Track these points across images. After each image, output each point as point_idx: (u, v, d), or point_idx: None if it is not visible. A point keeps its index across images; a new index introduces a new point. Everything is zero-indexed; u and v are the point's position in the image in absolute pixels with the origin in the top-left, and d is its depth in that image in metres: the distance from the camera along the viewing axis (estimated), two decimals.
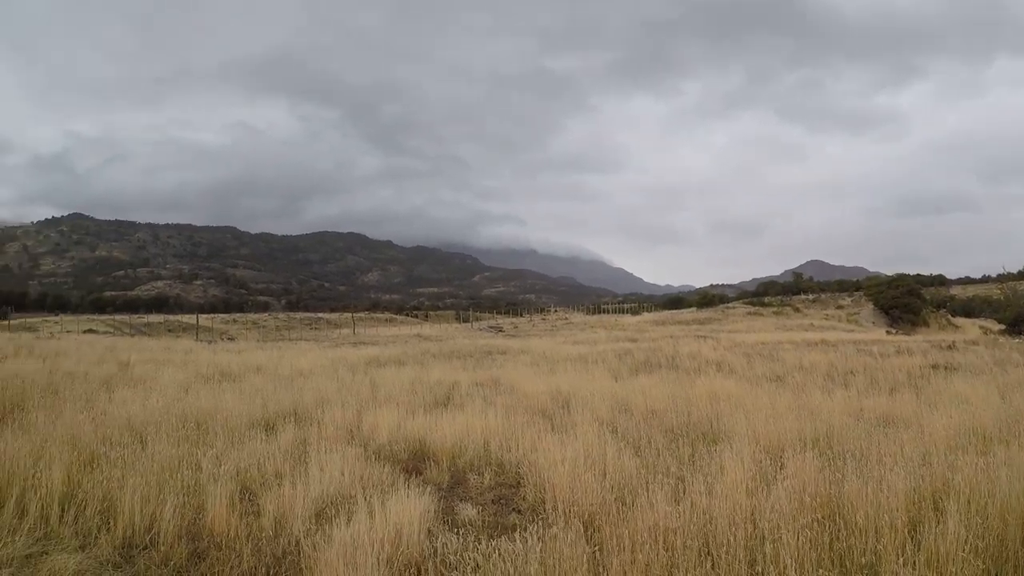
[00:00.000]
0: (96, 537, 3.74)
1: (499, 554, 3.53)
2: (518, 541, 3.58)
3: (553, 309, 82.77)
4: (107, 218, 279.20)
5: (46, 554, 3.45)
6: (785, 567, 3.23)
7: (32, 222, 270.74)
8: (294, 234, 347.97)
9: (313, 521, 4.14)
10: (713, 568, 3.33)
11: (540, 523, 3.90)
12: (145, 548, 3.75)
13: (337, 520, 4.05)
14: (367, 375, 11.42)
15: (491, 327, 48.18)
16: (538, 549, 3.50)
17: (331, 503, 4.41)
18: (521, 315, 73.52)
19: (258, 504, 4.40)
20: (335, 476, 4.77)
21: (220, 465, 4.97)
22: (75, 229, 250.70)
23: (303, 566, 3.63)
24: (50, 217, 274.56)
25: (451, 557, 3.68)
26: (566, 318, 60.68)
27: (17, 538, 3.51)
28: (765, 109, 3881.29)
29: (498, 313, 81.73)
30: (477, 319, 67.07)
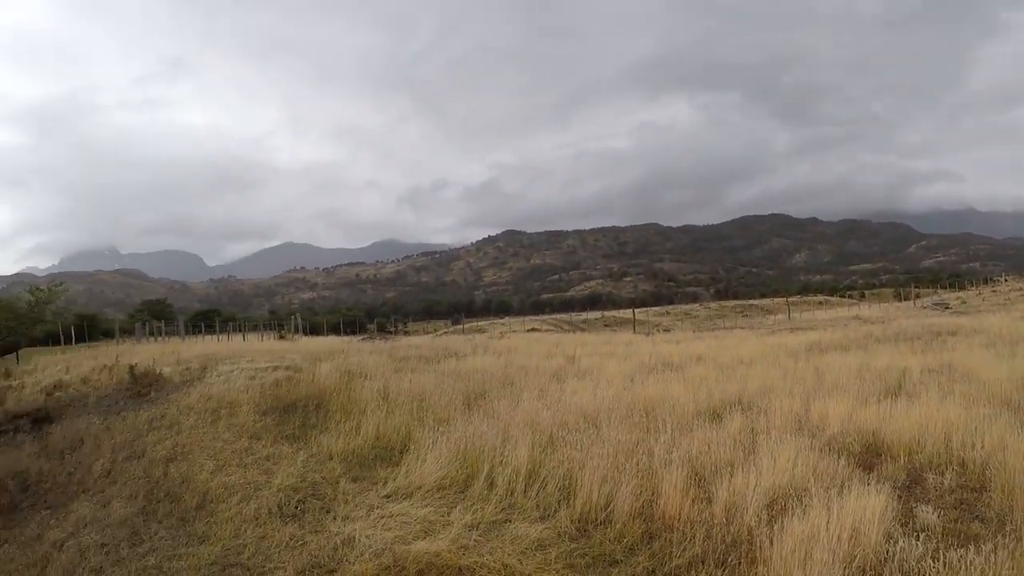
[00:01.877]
0: (555, 511, 6.04)
1: (966, 567, 4.02)
2: (983, 554, 3.97)
3: (1003, 278, 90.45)
4: (537, 230, 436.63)
5: (510, 522, 5.92)
6: None
7: (472, 242, 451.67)
8: (716, 222, 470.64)
9: (764, 512, 5.37)
10: None
11: (1010, 536, 4.17)
12: (600, 524, 5.78)
13: (790, 513, 5.19)
14: (809, 362, 13.96)
15: (935, 304, 57.43)
16: (1008, 567, 3.82)
17: (782, 494, 5.58)
18: (966, 287, 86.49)
19: (709, 491, 5.93)
20: (786, 467, 5.98)
21: (671, 451, 6.84)
22: (510, 243, 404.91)
23: (756, 556, 4.86)
24: (486, 236, 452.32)
25: (910, 565, 4.34)
26: (1021, 288, 66.89)
27: (487, 506, 6.19)
28: None
29: (940, 287, 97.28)
30: (917, 296, 77.21)
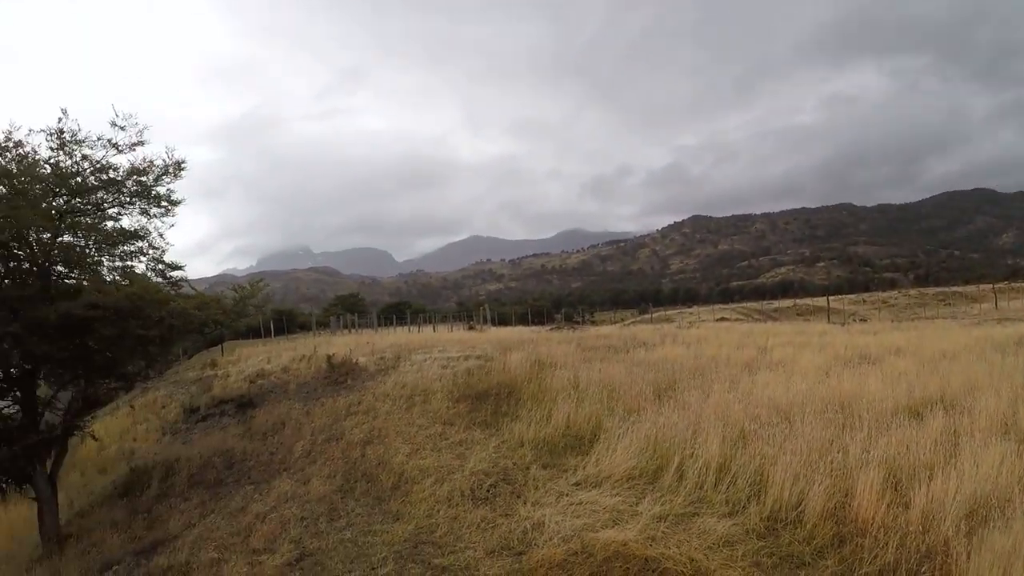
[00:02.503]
0: (744, 507, 6.80)
1: None
2: None
3: None
4: (724, 215, 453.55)
5: (698, 515, 6.76)
6: None
7: (657, 229, 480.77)
8: (914, 200, 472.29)
9: (963, 521, 5.80)
10: None
11: None
12: (790, 524, 6.46)
13: (991, 524, 5.63)
14: (1018, 357, 13.82)
15: None
16: None
17: (983, 503, 5.97)
18: None
19: (905, 495, 6.40)
20: (989, 473, 6.33)
21: (867, 451, 7.34)
22: (696, 229, 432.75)
23: (951, 569, 5.36)
24: (672, 223, 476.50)
25: None
26: None
27: (675, 499, 7.07)
28: None
29: None
30: None
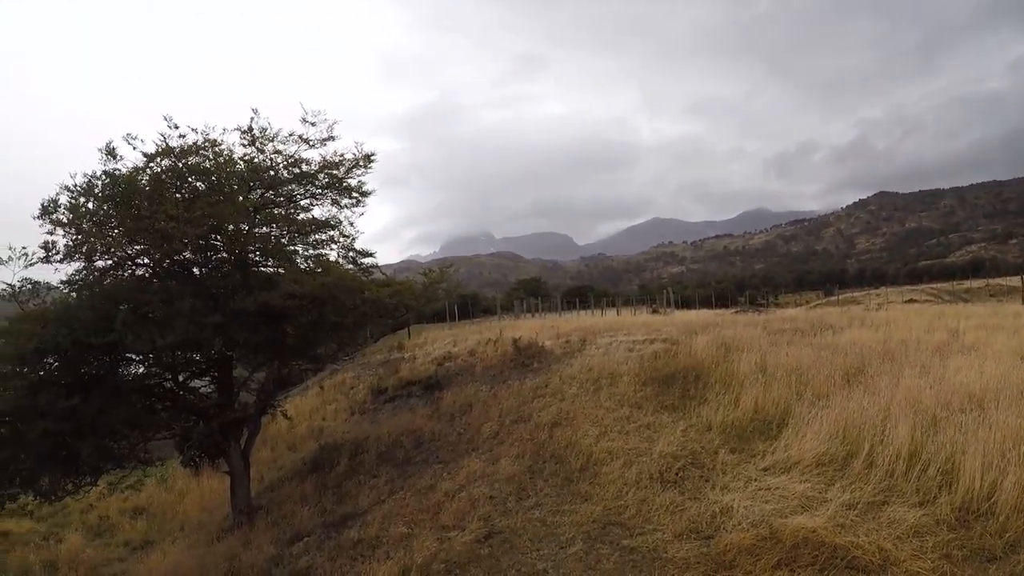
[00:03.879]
0: (935, 497, 7.09)
1: None
2: None
3: None
4: (911, 190, 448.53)
5: (887, 504, 7.11)
6: None
7: (841, 207, 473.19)
8: None
9: None
10: None
11: None
12: (981, 515, 6.72)
13: None
14: None
15: None
16: None
17: None
18: None
19: None
20: None
21: None
22: (882, 206, 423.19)
23: None
24: (856, 200, 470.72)
25: None
26: None
27: (865, 486, 7.45)
28: None
29: None
30: None
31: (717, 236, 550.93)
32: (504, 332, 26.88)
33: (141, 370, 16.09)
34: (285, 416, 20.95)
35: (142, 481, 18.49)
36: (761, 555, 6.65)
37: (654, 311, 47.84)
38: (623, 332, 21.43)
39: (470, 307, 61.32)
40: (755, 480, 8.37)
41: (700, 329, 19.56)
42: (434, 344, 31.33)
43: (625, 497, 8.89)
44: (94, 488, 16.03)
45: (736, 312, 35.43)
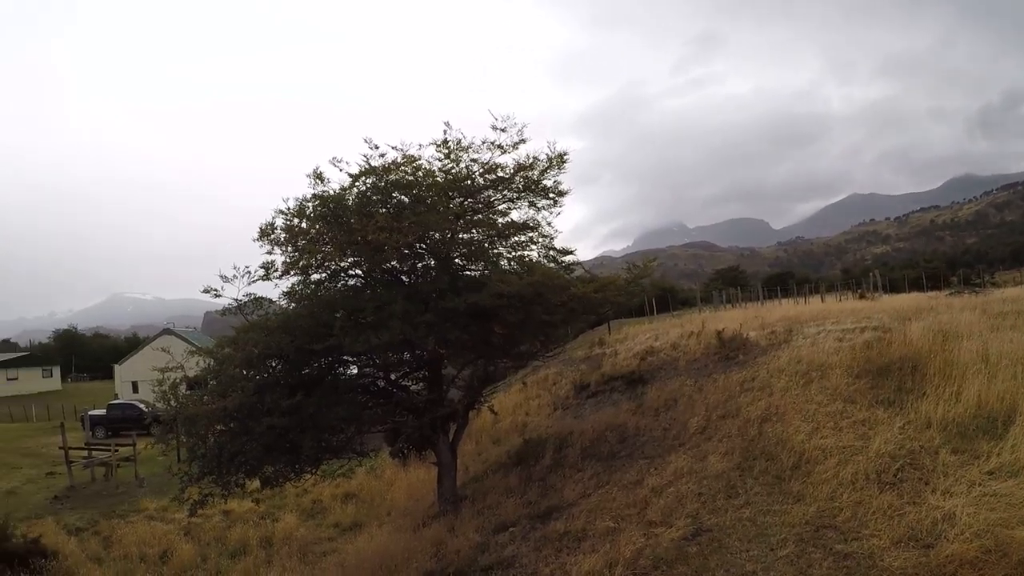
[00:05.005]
0: None
1: None
2: None
3: None
4: None
5: None
6: None
7: None
8: None
9: None
10: None
11: None
12: None
13: None
14: None
15: None
16: None
17: None
18: None
19: None
20: None
21: None
22: None
23: None
24: None
25: None
26: None
27: None
28: None
29: None
30: None
31: (922, 209, 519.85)
32: (706, 324, 26.73)
33: (354, 371, 17.75)
34: (492, 411, 22.02)
35: (353, 469, 19.53)
36: (985, 569, 6.44)
37: (860, 296, 46.25)
38: (830, 320, 20.93)
39: (669, 300, 61.31)
40: (979, 484, 8.07)
41: (913, 315, 18.93)
42: (635, 339, 31.62)
43: (839, 498, 8.77)
44: (310, 475, 17.04)
45: (949, 294, 33.78)
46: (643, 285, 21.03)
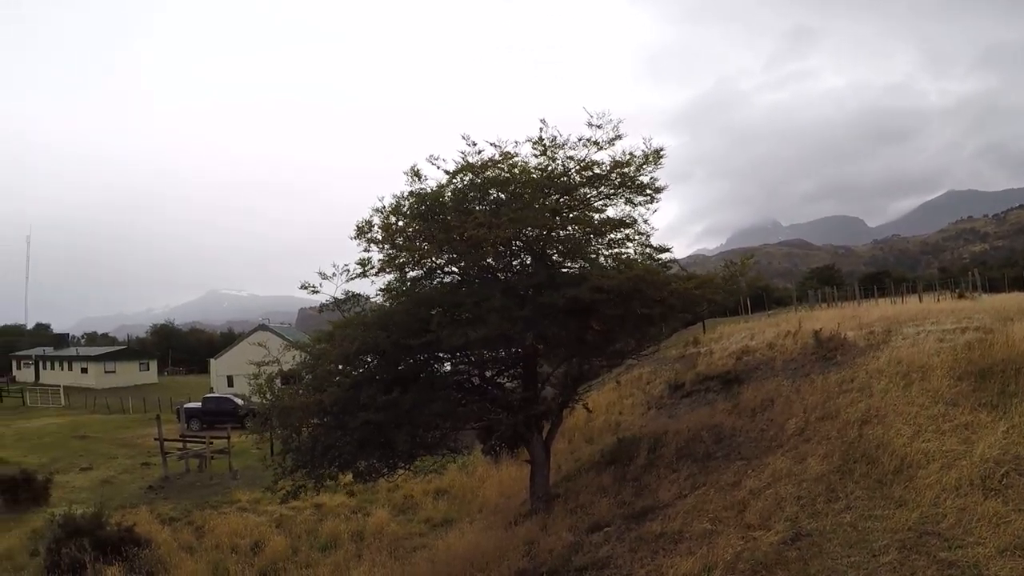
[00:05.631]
0: None
1: None
2: None
3: None
4: None
5: None
6: None
7: None
8: None
9: None
10: None
11: None
12: None
13: None
14: None
15: None
16: None
17: None
18: None
19: None
20: None
21: None
22: None
23: None
24: None
25: None
26: None
27: None
28: None
29: None
30: None
31: (1021, 206, 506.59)
32: (803, 324, 26.62)
33: (448, 368, 18.16)
34: (587, 409, 22.34)
35: (445, 466, 19.87)
36: None
37: (960, 296, 45.37)
38: (930, 320, 20.67)
39: (764, 299, 61.01)
40: None
41: (1015, 315, 18.55)
42: (730, 338, 31.58)
43: (943, 504, 8.71)
44: (403, 471, 17.50)
45: None
46: (740, 283, 20.92)
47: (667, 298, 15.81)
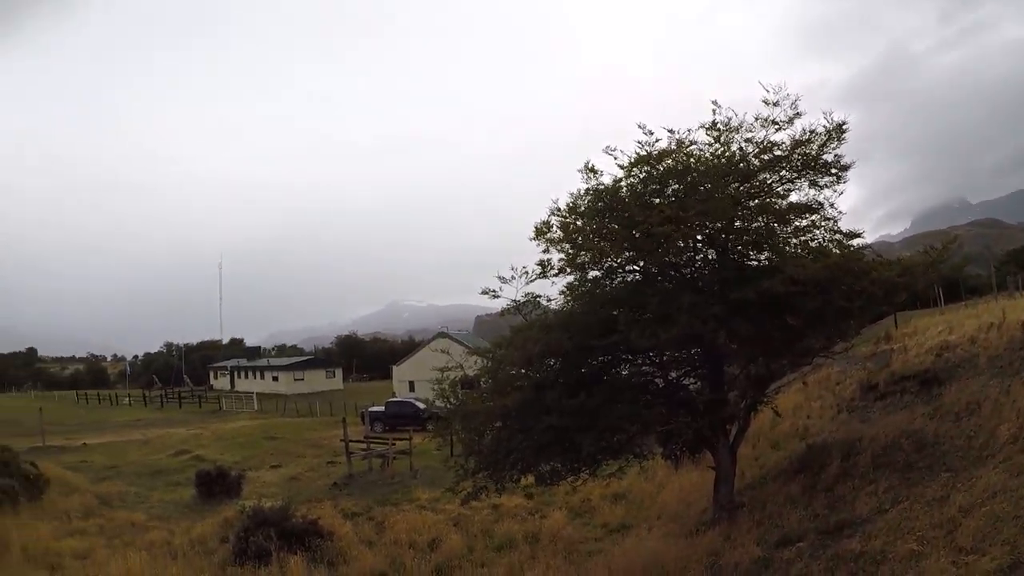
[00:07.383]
0: None
1: None
2: None
3: None
4: None
5: None
6: None
7: None
8: None
9: None
10: None
11: None
12: None
13: None
14: None
15: None
16: None
17: None
18: None
19: None
20: None
21: None
22: None
23: None
24: None
25: None
26: None
27: None
28: None
29: None
30: None
31: None
32: (1007, 314, 24.80)
33: (626, 371, 17.53)
34: (776, 413, 21.73)
35: (624, 470, 19.37)
36: None
37: None
38: None
39: (960, 287, 57.78)
40: None
41: None
42: (925, 332, 29.97)
43: None
44: (586, 475, 17.39)
45: None
46: (943, 269, 19.44)
47: (868, 288, 14.73)
